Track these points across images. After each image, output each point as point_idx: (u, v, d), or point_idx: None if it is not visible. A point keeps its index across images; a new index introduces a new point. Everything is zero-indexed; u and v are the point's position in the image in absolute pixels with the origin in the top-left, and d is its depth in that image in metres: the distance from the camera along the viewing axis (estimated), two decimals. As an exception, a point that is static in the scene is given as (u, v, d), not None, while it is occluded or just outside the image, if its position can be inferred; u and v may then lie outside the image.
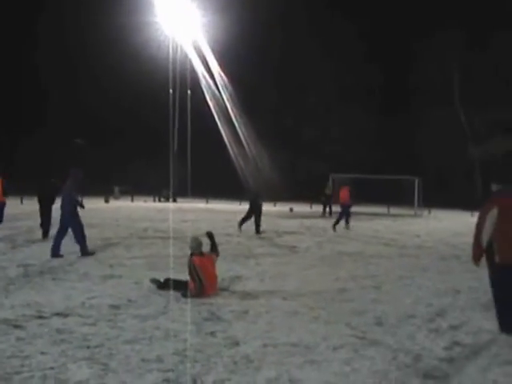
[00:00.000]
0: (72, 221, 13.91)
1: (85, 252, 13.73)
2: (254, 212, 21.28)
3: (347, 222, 24.78)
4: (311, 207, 44.17)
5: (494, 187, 8.13)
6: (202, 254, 9.83)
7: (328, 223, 26.22)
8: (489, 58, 56.22)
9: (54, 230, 15.01)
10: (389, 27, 57.95)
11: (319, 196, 37.30)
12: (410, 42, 57.48)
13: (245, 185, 27.39)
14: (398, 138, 60.68)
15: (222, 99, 58.24)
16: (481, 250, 7.81)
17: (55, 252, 13.59)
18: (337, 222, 24.11)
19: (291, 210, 40.08)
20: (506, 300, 7.71)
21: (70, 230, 13.97)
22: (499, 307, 7.81)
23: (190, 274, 9.50)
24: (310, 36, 57.80)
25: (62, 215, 14.03)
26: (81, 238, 13.90)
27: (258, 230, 20.81)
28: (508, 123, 57.13)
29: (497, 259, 7.66)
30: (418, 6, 57.33)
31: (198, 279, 9.40)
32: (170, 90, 54.99)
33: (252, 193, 22.77)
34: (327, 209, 35.51)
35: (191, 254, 9.74)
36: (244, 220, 21.51)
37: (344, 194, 25.17)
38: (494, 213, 7.62)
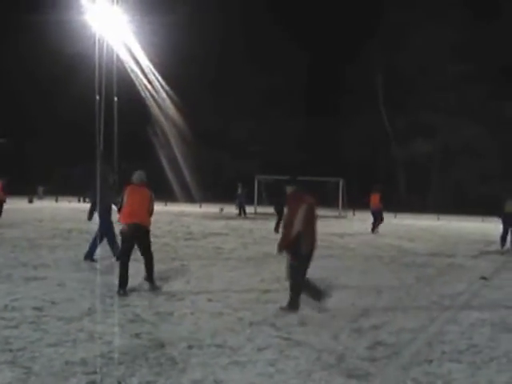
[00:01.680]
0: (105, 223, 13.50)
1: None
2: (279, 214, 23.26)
3: (377, 226, 26.08)
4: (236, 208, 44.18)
5: (289, 189, 9.20)
6: (140, 185, 10.38)
7: (252, 224, 26.32)
8: (411, 59, 57.51)
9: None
10: (316, 28, 58.62)
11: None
12: (336, 42, 58.24)
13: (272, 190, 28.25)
14: (323, 139, 61.36)
15: (152, 98, 57.73)
16: (289, 242, 8.76)
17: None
18: (375, 227, 25.90)
19: (221, 210, 40.13)
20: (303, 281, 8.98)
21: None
22: (302, 283, 8.98)
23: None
24: (234, 35, 57.81)
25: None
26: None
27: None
28: (429, 124, 58.57)
29: (302, 250, 8.74)
30: (344, 10, 58.26)
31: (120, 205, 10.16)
32: (97, 97, 53.98)
33: (278, 198, 24.15)
34: (242, 209, 36.03)
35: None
36: (278, 224, 22.88)
37: (375, 199, 26.29)
38: (303, 209, 8.72)
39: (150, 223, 10.35)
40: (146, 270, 10.29)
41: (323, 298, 9.06)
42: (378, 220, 26.08)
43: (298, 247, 8.75)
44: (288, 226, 8.86)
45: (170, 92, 57.52)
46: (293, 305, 8.93)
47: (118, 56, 51.87)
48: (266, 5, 58.28)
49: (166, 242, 18.17)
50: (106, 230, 13.51)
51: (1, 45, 55.92)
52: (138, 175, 10.42)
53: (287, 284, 11.04)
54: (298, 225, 8.69)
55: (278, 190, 27.59)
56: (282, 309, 8.92)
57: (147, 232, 10.26)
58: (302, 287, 8.98)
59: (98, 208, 13.62)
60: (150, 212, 10.36)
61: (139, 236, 10.11)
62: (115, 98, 53.56)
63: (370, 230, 26.13)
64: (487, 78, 54.64)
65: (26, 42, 54.87)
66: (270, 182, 45.90)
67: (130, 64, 53.34)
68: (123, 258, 10.05)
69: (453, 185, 59.42)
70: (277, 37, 57.88)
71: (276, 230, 23.08)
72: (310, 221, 8.87)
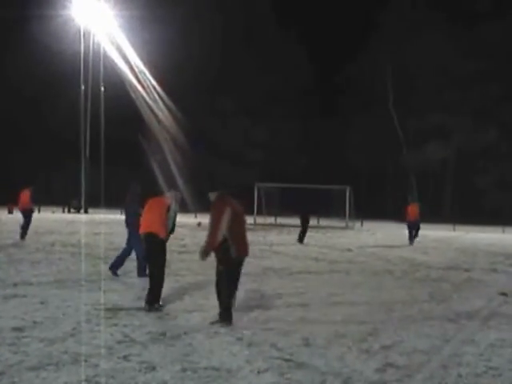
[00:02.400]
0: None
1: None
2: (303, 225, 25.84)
3: (414, 238, 27.17)
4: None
5: (212, 195, 9.47)
6: (157, 194, 11.03)
7: (251, 236, 26.29)
8: (422, 57, 57.55)
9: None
10: (322, 27, 58.83)
11: None
12: (344, 41, 58.43)
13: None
14: (327, 143, 61.38)
15: (143, 100, 57.65)
16: (214, 247, 9.08)
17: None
18: (414, 237, 27.15)
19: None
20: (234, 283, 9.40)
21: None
22: (230, 290, 9.28)
23: None
24: (232, 32, 57.95)
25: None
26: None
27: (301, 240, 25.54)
28: (443, 127, 58.52)
29: (232, 255, 9.03)
30: (353, 8, 58.48)
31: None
32: (82, 86, 53.71)
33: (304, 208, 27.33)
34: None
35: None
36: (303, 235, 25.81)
37: (414, 210, 27.48)
38: (228, 213, 9.03)
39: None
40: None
41: (229, 320, 9.12)
42: (415, 231, 27.18)
43: (226, 252, 9.04)
44: (212, 231, 9.08)
45: (162, 93, 57.47)
46: (224, 317, 9.10)
47: (105, 51, 51.97)
48: (268, 2, 58.56)
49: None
50: (134, 244, 13.60)
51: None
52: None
53: (290, 301, 11.05)
54: (222, 228, 8.97)
55: (300, 200, 28.63)
56: (212, 323, 9.06)
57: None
58: (228, 296, 9.20)
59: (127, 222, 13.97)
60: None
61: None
62: (102, 88, 53.51)
63: (407, 242, 27.07)
64: (506, 77, 54.74)
65: (9, 41, 55.05)
66: (271, 191, 45.84)
67: (119, 62, 53.36)
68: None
69: (469, 192, 59.38)
70: (278, 35, 58.14)
71: (300, 240, 25.43)
72: (238, 225, 9.23)
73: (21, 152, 58.84)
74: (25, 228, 22.11)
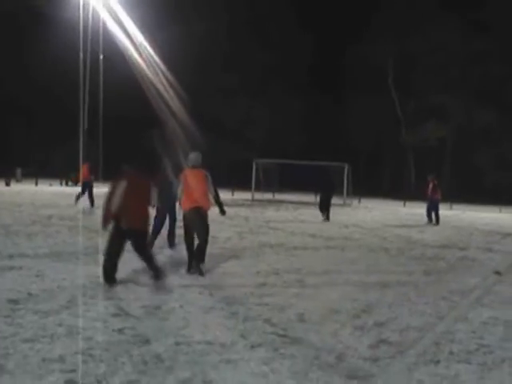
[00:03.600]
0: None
1: None
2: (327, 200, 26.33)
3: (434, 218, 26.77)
4: (233, 194, 44.28)
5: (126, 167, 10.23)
6: (194, 167, 11.55)
7: (248, 212, 26.36)
8: (423, 36, 57.29)
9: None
10: (324, 5, 58.53)
11: None
12: (346, 20, 58.12)
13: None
14: (326, 121, 61.24)
15: (143, 73, 57.27)
16: (109, 216, 9.75)
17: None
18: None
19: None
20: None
21: None
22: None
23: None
24: (235, 10, 57.69)
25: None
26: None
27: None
28: (442, 106, 58.39)
29: (123, 225, 9.65)
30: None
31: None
32: (80, 54, 53.07)
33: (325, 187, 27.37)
34: None
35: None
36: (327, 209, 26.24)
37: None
38: (123, 185, 9.67)
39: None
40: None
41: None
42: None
43: (119, 221, 9.71)
44: (106, 201, 9.82)
45: (164, 68, 57.13)
46: (105, 278, 9.75)
47: (104, 26, 51.49)
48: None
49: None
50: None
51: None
52: (194, 157, 11.69)
53: (286, 277, 11.10)
54: (115, 199, 9.69)
55: (323, 177, 28.59)
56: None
57: None
58: (107, 261, 9.83)
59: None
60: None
61: None
62: (101, 56, 52.94)
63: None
64: (506, 58, 54.53)
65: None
66: (269, 167, 45.84)
67: (119, 34, 52.89)
68: None
69: (467, 172, 59.38)
70: (281, 13, 57.85)
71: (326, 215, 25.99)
72: (132, 196, 9.66)
73: (21, 126, 58.69)
74: (91, 197, 25.76)
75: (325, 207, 26.05)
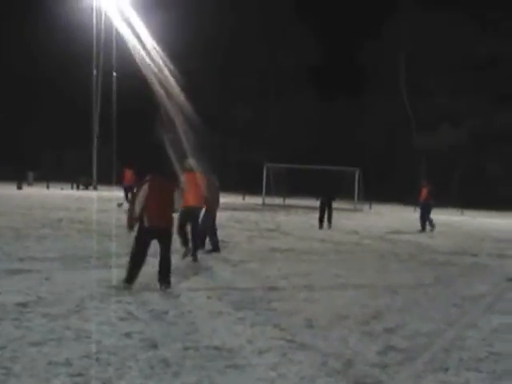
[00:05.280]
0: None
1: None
2: (328, 209, 24.72)
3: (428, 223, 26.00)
4: (244, 199, 44.28)
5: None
6: (191, 170, 13.20)
7: (259, 216, 26.36)
8: (436, 36, 57.03)
9: None
10: (336, 5, 58.41)
11: None
12: (358, 20, 58.00)
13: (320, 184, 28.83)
14: (338, 125, 61.11)
15: (155, 77, 57.37)
16: (134, 219, 10.09)
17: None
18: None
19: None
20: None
21: None
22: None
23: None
24: (244, 10, 57.76)
25: None
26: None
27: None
28: (455, 112, 58.09)
29: (146, 224, 9.90)
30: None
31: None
32: (94, 71, 53.60)
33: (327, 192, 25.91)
34: None
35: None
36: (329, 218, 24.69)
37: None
38: (145, 189, 10.02)
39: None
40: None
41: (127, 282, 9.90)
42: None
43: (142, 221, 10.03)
44: (131, 204, 10.38)
45: (174, 70, 57.19)
46: (126, 278, 9.89)
47: (117, 30, 51.69)
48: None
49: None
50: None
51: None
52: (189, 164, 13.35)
53: (295, 282, 11.08)
54: (138, 201, 10.02)
55: (326, 183, 28.22)
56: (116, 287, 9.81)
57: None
58: (132, 260, 10.00)
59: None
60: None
61: None
62: (114, 74, 53.28)
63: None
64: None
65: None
66: (279, 172, 45.69)
67: (131, 39, 53.05)
68: None
69: (480, 177, 59.06)
70: (292, 13, 57.83)
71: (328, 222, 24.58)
72: (153, 198, 9.96)
73: (32, 127, 58.85)
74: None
75: (324, 214, 25.25)
